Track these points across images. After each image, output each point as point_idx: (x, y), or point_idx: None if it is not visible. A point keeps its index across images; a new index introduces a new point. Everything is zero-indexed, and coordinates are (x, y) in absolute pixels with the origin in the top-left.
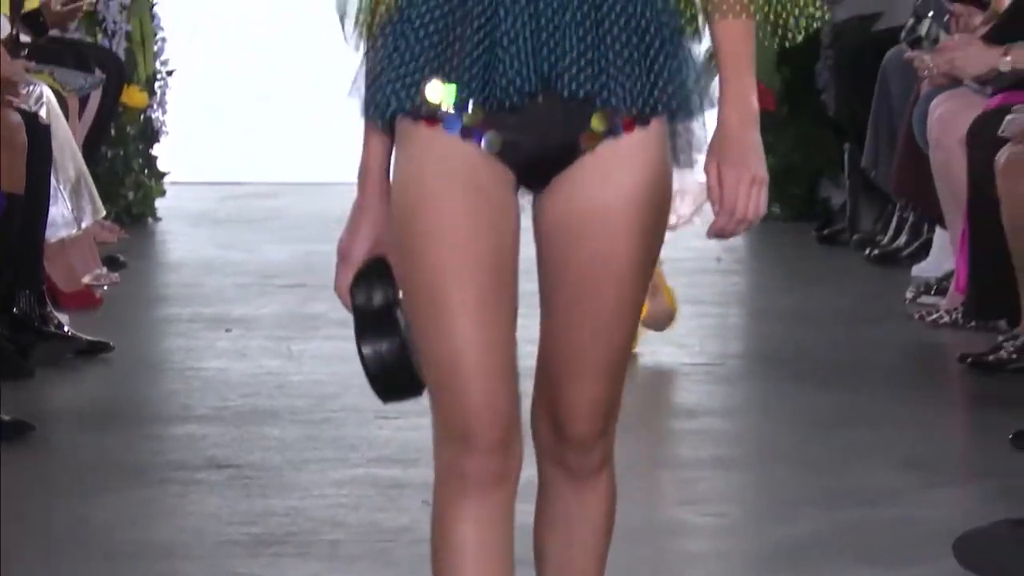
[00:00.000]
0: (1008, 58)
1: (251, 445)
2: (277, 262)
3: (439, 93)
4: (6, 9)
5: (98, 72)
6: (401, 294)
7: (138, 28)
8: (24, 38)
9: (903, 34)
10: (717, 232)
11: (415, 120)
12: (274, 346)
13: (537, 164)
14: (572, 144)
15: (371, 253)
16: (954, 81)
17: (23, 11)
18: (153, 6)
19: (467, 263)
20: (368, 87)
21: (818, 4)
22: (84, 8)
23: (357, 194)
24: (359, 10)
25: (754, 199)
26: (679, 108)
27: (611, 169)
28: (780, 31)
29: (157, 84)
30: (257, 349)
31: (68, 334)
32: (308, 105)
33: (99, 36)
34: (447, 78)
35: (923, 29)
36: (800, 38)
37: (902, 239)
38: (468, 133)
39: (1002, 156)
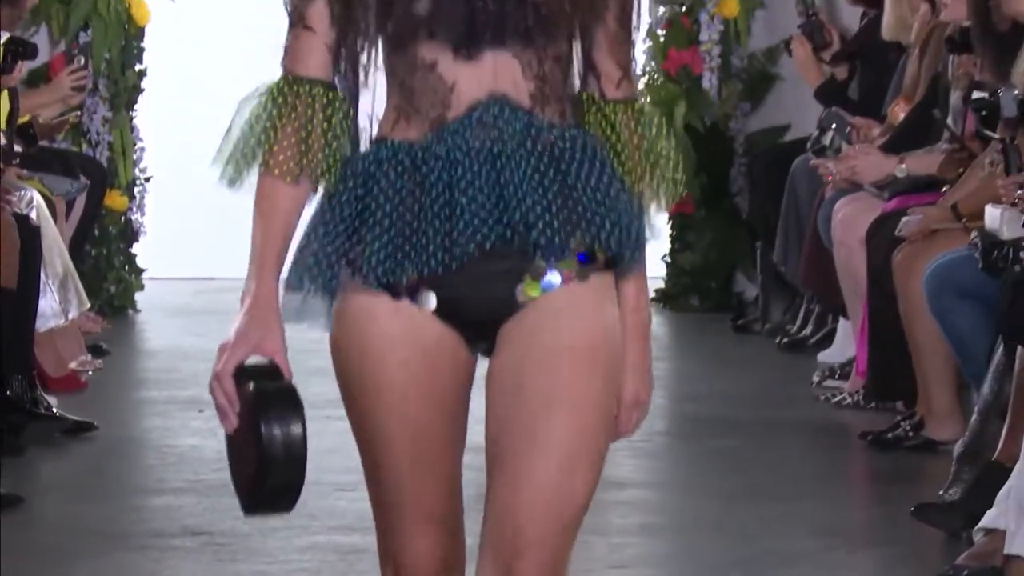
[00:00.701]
0: (903, 166)
1: (222, 515)
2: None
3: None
4: (2, 123)
5: (83, 178)
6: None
7: (119, 139)
8: (16, 148)
9: (809, 144)
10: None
11: (352, 279)
12: None
13: (477, 319)
14: (510, 298)
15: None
16: (855, 186)
17: (16, 124)
18: (133, 119)
19: (409, 427)
20: (302, 248)
21: (679, 173)
22: (70, 121)
23: (255, 287)
24: (243, 154)
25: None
26: (628, 258)
27: (555, 318)
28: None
29: (136, 189)
30: None
31: (56, 415)
32: None
33: (84, 146)
34: (391, 249)
35: (827, 140)
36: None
37: (809, 328)
38: (403, 292)
39: (898, 254)
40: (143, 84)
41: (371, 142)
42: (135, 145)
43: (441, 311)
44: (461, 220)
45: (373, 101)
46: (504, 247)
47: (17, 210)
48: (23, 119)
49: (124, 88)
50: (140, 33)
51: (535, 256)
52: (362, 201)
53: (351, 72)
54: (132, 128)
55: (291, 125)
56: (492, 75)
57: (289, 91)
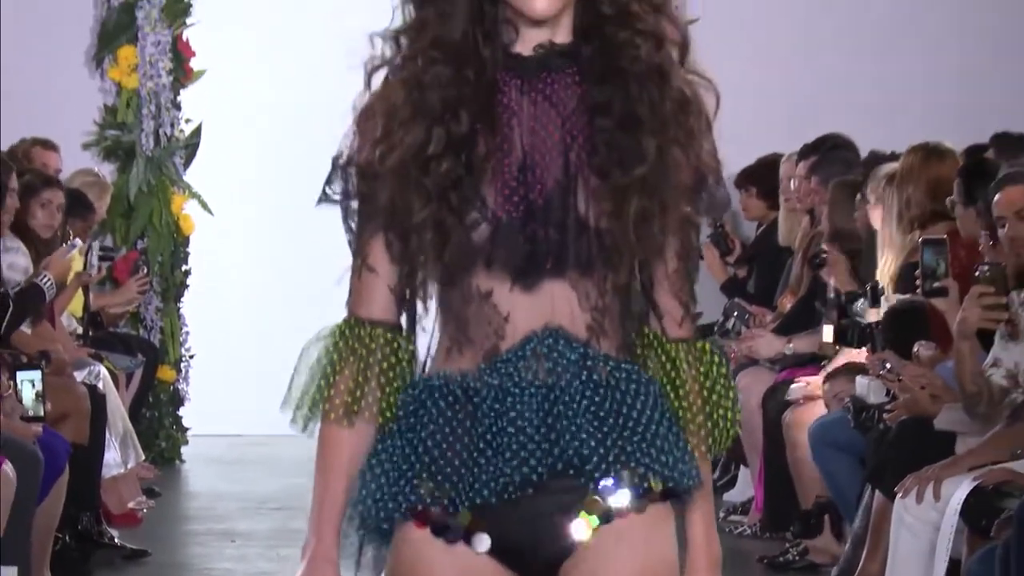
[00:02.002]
0: (791, 345)
1: None
2: (269, 491)
3: (431, 493)
4: (78, 312)
5: (140, 356)
6: None
7: (168, 325)
8: (88, 332)
9: (716, 328)
10: None
11: (405, 520)
12: (267, 552)
13: (533, 560)
14: (565, 536)
15: None
16: (752, 361)
17: (89, 312)
18: (179, 308)
19: None
20: (358, 490)
21: (738, 410)
22: (130, 311)
23: (315, 542)
24: (316, 400)
25: None
26: (684, 491)
27: (614, 555)
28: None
29: (182, 364)
30: (254, 555)
31: (117, 544)
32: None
33: (140, 330)
34: (441, 479)
35: (730, 324)
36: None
37: (716, 473)
38: (458, 536)
39: (788, 415)
40: (188, 281)
41: (425, 373)
42: (181, 330)
43: (496, 551)
44: (509, 452)
45: (431, 334)
46: (556, 482)
47: (88, 382)
48: (94, 309)
49: (172, 284)
50: (186, 240)
51: (590, 490)
52: (414, 434)
53: (412, 305)
54: (179, 316)
55: (350, 369)
56: (549, 306)
57: (351, 335)
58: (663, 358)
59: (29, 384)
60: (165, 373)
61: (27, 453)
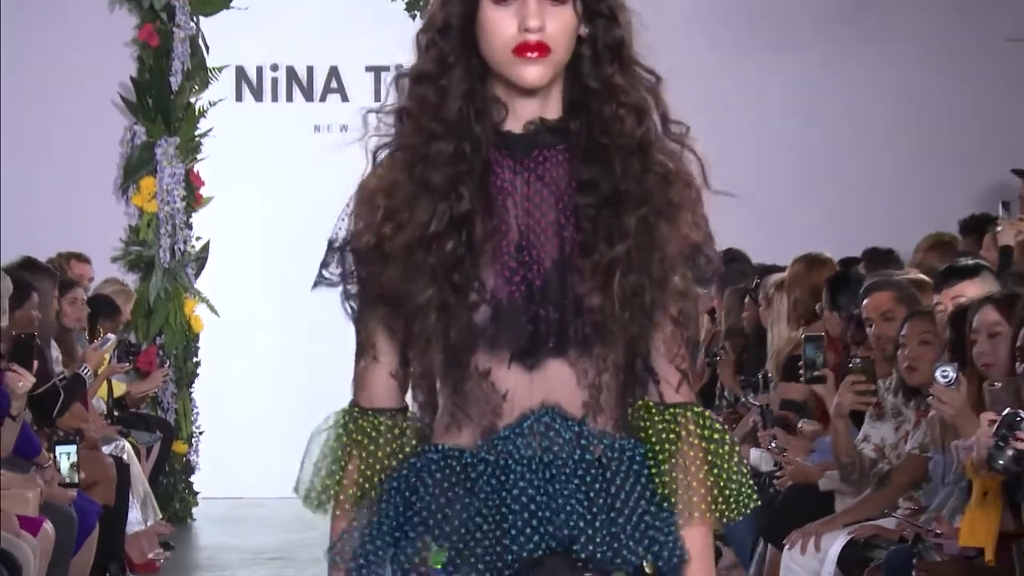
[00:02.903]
0: None
1: None
2: (265, 545)
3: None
4: (104, 395)
5: (157, 432)
6: None
7: (182, 406)
8: (115, 413)
9: None
10: None
11: None
12: None
13: None
14: None
15: None
16: None
17: (114, 397)
18: (191, 393)
19: None
20: (355, 545)
21: (753, 487)
22: (149, 395)
23: None
24: (325, 487)
25: None
26: (669, 570)
27: None
28: (724, 516)
29: (193, 440)
30: None
31: None
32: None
33: (158, 411)
34: (443, 543)
35: None
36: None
37: None
38: None
39: None
40: (198, 370)
41: (423, 446)
42: (192, 411)
43: None
44: (511, 528)
45: (436, 408)
46: (552, 559)
47: (114, 454)
48: (119, 392)
49: (185, 373)
50: (196, 337)
51: (583, 570)
52: (410, 503)
53: (415, 387)
54: (191, 399)
55: (355, 462)
56: (545, 384)
57: (355, 426)
58: (660, 424)
59: (65, 456)
60: (179, 447)
61: (64, 514)
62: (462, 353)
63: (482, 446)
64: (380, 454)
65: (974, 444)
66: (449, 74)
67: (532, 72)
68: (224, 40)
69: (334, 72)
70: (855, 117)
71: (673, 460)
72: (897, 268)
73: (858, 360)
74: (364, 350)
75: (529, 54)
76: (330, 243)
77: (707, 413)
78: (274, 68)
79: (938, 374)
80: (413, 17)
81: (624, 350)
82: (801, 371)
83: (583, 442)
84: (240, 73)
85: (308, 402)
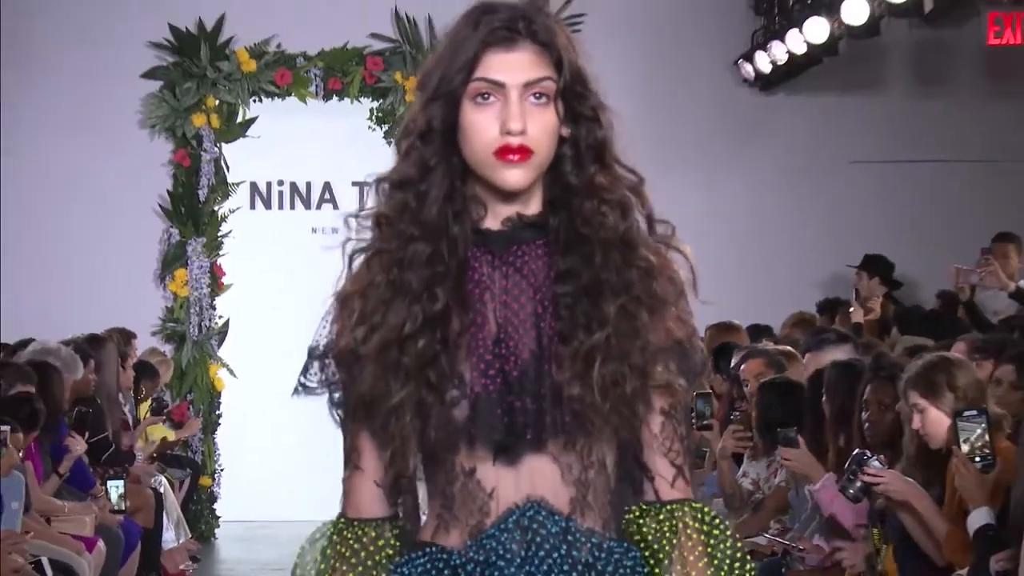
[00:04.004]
0: None
1: None
2: (271, 558)
3: None
4: (142, 442)
5: (187, 469)
6: None
7: (207, 449)
8: (153, 454)
9: None
10: None
11: None
12: None
13: None
14: None
15: None
16: None
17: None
18: (215, 438)
19: None
20: None
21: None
22: (182, 439)
23: None
24: None
25: None
26: None
27: None
28: None
29: (216, 475)
30: None
31: None
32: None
33: (188, 452)
34: None
35: None
36: None
37: None
38: None
39: None
40: (220, 420)
41: (411, 552)
42: (215, 452)
43: None
44: None
45: (419, 513)
46: None
47: (153, 486)
48: (161, 436)
49: (210, 423)
50: (219, 395)
51: None
52: None
53: (405, 491)
54: (214, 443)
55: (338, 575)
56: (530, 480)
57: (339, 538)
58: (655, 524)
59: (115, 488)
60: (204, 480)
61: (113, 534)
62: (443, 452)
63: (470, 546)
64: (362, 568)
65: (823, 485)
66: (429, 178)
67: (514, 176)
68: (241, 161)
69: (327, 186)
70: (735, 220)
71: (671, 559)
72: (770, 339)
73: (738, 413)
74: (348, 459)
75: (511, 157)
76: (310, 351)
77: (706, 508)
78: (280, 183)
79: (780, 438)
80: (389, 143)
81: (611, 445)
82: (694, 421)
83: (570, 538)
84: (253, 187)
85: (307, 445)
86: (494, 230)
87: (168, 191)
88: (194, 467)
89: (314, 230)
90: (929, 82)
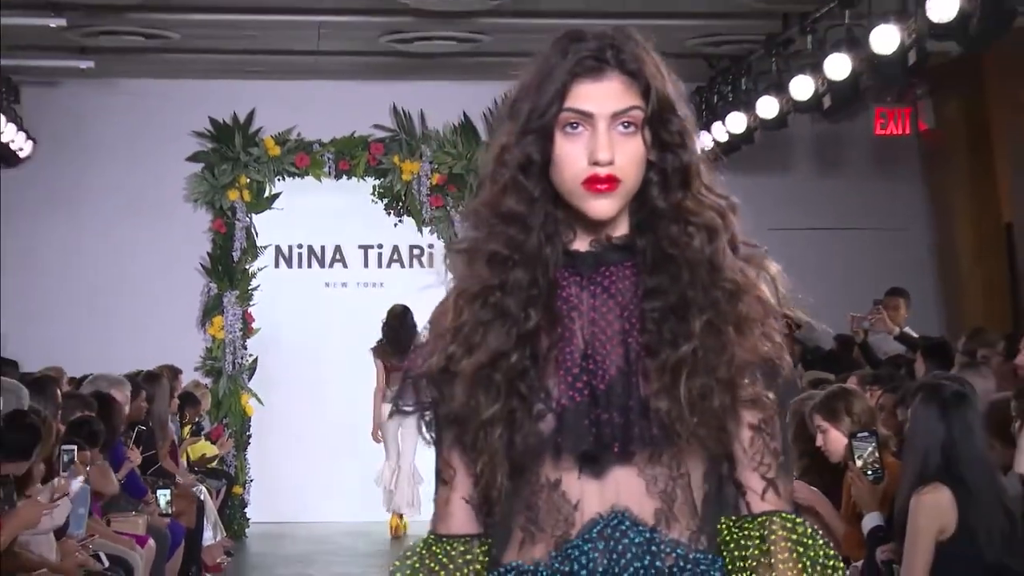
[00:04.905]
0: None
1: None
2: (293, 552)
3: None
4: (185, 459)
5: (223, 480)
6: None
7: (239, 463)
8: (194, 468)
9: None
10: None
11: None
12: None
13: None
14: None
15: None
16: None
17: (192, 459)
18: (246, 455)
19: None
20: None
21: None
22: (219, 455)
23: None
24: None
25: None
26: None
27: None
28: None
29: (247, 485)
30: None
31: None
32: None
33: (223, 466)
34: None
35: None
36: None
37: None
38: None
39: None
40: (250, 440)
41: (496, 567)
42: (246, 466)
43: None
44: None
45: (505, 528)
46: None
47: (195, 494)
48: (202, 454)
49: (241, 442)
50: (249, 419)
51: None
52: None
53: (491, 506)
54: (245, 459)
55: None
56: (615, 491)
57: (428, 553)
58: (744, 533)
59: (163, 496)
60: (237, 489)
61: (161, 534)
62: (529, 464)
63: (556, 557)
64: None
65: None
66: (534, 209)
67: (602, 206)
68: (267, 228)
69: (337, 248)
70: None
71: (761, 570)
72: None
73: None
74: (439, 476)
75: (599, 187)
76: (405, 374)
77: (799, 519)
78: (299, 246)
79: None
80: (389, 214)
81: (699, 459)
82: None
83: (653, 548)
84: (278, 249)
85: (323, 459)
86: (582, 252)
87: (208, 253)
88: (228, 478)
89: (327, 284)
90: (828, 165)
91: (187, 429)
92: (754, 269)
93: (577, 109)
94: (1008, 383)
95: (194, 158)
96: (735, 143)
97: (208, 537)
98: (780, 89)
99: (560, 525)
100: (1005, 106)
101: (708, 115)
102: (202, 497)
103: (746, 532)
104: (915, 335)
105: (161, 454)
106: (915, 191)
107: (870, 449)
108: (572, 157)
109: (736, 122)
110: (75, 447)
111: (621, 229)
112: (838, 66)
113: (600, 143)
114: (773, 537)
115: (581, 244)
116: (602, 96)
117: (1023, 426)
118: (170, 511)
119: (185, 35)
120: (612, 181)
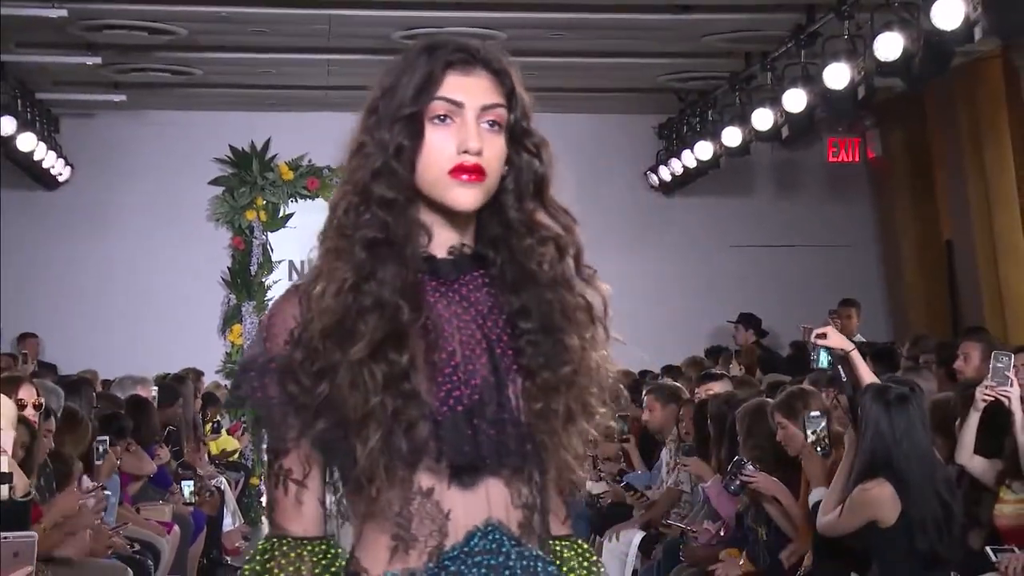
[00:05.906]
0: None
1: None
2: None
3: None
4: (206, 456)
5: (241, 472)
6: None
7: (255, 455)
8: (215, 462)
9: None
10: None
11: None
12: None
13: None
14: None
15: None
16: None
17: (212, 453)
18: (262, 447)
19: None
20: None
21: None
22: (239, 449)
23: None
24: None
25: None
26: None
27: None
28: None
29: (263, 475)
30: None
31: (230, 565)
32: None
33: (241, 459)
34: None
35: None
36: None
37: None
38: None
39: None
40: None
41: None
42: (262, 459)
43: None
44: None
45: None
46: None
47: (216, 484)
48: (223, 448)
49: (258, 438)
50: None
51: None
52: None
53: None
54: (261, 451)
55: None
56: (485, 503)
57: (280, 554)
58: (572, 554)
59: (187, 486)
60: (254, 480)
61: (185, 520)
62: (401, 470)
63: (433, 568)
64: None
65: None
66: (406, 197)
67: (466, 196)
68: (282, 245)
69: None
70: (645, 288)
71: None
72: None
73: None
74: (286, 473)
75: (464, 176)
76: (245, 364)
77: (586, 546)
78: (310, 261)
79: (684, 449)
80: None
81: (552, 477)
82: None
83: (524, 562)
84: (291, 264)
85: None
86: (440, 258)
87: (228, 267)
88: (246, 470)
89: None
90: (786, 188)
91: (208, 426)
92: (590, 288)
93: (449, 98)
94: (945, 385)
95: (216, 182)
96: (703, 169)
97: (228, 523)
98: (743, 120)
99: (434, 535)
100: (945, 136)
101: (678, 144)
102: (223, 488)
103: (576, 551)
104: (865, 340)
105: (189, 448)
106: (864, 212)
107: (823, 425)
108: (441, 145)
109: (703, 150)
110: (107, 438)
111: (469, 238)
112: (795, 100)
113: (470, 132)
114: (573, 563)
115: (437, 250)
116: (473, 88)
117: (963, 423)
118: (193, 500)
119: (207, 71)
120: (479, 172)
